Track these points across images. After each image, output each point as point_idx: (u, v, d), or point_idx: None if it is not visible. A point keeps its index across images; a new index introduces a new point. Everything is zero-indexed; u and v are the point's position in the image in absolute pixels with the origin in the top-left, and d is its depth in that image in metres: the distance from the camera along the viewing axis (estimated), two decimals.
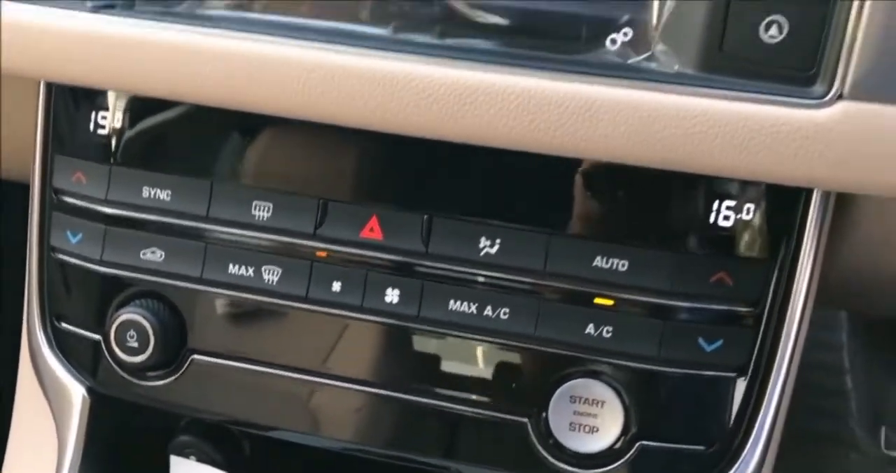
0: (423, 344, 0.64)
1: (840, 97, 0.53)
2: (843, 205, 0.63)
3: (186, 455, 0.75)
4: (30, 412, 0.75)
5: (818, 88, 0.53)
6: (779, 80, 0.55)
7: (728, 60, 0.55)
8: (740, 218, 0.60)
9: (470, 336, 0.63)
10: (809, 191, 0.60)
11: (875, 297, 0.80)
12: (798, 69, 0.55)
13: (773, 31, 0.55)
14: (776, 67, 0.55)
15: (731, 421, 0.62)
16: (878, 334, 1.72)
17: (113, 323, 0.67)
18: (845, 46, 0.52)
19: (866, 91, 0.52)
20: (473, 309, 0.63)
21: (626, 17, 0.58)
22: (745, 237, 0.60)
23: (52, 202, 0.71)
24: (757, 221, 0.60)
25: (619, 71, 0.57)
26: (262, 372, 0.67)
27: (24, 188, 1.03)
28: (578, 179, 0.61)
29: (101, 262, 0.69)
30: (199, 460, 0.74)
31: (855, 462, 1.56)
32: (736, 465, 0.62)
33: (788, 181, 0.56)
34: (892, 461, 1.61)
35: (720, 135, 0.55)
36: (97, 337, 0.70)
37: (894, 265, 0.71)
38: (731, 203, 0.60)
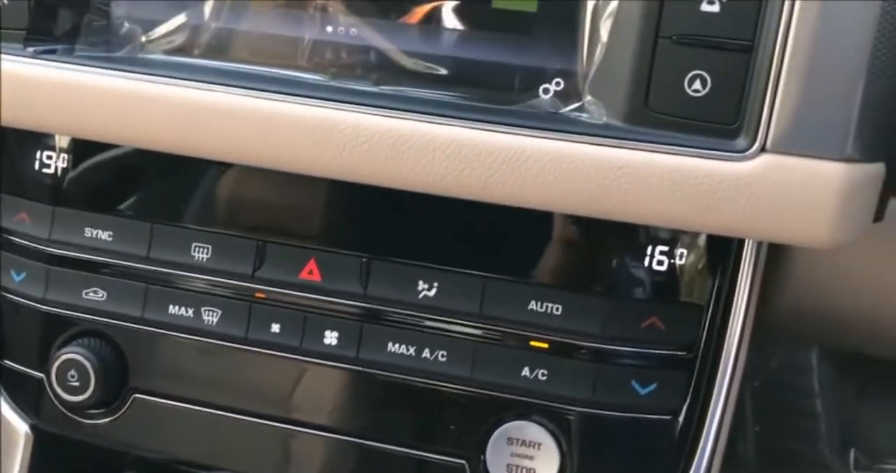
0: (362, 385, 0.65)
1: (763, 150, 0.54)
2: (776, 248, 0.64)
3: None
4: None
5: (741, 142, 0.54)
6: (703, 133, 0.55)
7: (653, 113, 0.56)
8: (673, 262, 0.61)
9: (408, 378, 0.64)
10: (742, 243, 0.61)
11: (833, 335, 0.81)
12: (721, 123, 0.55)
13: (697, 85, 0.55)
14: (700, 121, 0.56)
15: (668, 464, 0.63)
16: (847, 357, 1.73)
17: (55, 362, 0.67)
18: (767, 100, 0.53)
19: (788, 144, 0.53)
20: (412, 351, 0.64)
21: (557, 67, 0.59)
22: (678, 282, 0.61)
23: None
24: (690, 266, 0.61)
25: (549, 122, 0.58)
26: (204, 412, 0.67)
27: None
28: (513, 225, 0.62)
29: (43, 301, 0.69)
30: None
31: None
32: None
33: (713, 231, 0.57)
34: None
35: (645, 186, 0.56)
36: (40, 375, 0.70)
37: (837, 307, 0.72)
38: (664, 248, 0.61)
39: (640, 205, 0.56)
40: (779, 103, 0.53)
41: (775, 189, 0.53)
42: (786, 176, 0.53)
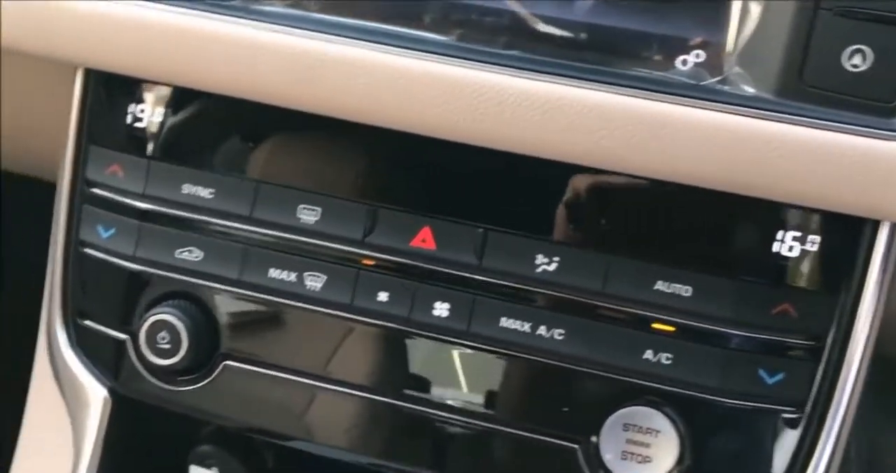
0: (471, 362, 0.62)
1: None
2: None
3: (208, 466, 0.71)
4: (44, 413, 0.71)
5: None
6: (859, 110, 0.54)
7: (808, 87, 0.54)
8: (805, 249, 0.58)
9: (522, 355, 0.61)
10: (876, 225, 0.59)
11: None
12: (880, 100, 0.54)
13: (857, 59, 0.54)
14: (858, 97, 0.54)
15: (788, 460, 0.60)
16: (878, 377, 1.71)
17: (144, 322, 0.64)
18: None
19: None
20: (527, 327, 0.61)
21: (698, 39, 0.57)
22: (811, 269, 0.58)
23: (84, 194, 0.68)
24: (822, 253, 0.58)
25: (691, 91, 0.56)
26: (298, 382, 0.64)
27: (28, 183, 1.00)
28: (644, 202, 0.59)
29: (133, 259, 0.66)
30: (221, 471, 0.71)
31: None
32: None
33: (862, 212, 0.55)
34: None
35: (797, 162, 0.54)
36: (124, 336, 0.67)
37: None
38: (797, 233, 0.58)
39: (791, 182, 0.54)
40: None
41: None
42: None
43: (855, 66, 0.53)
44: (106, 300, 0.68)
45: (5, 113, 0.83)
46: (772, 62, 0.54)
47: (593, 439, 0.60)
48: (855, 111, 0.53)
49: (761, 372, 0.59)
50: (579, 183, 0.60)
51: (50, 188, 0.75)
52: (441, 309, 0.62)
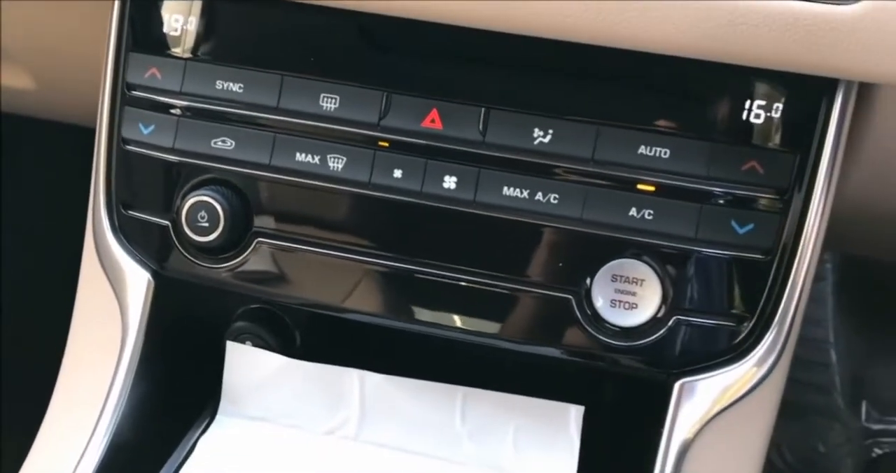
0: (478, 226, 0.70)
1: None
2: (860, 112, 0.69)
3: (242, 341, 0.79)
4: (93, 299, 0.78)
5: None
6: None
7: None
8: (770, 115, 0.66)
9: (522, 219, 0.69)
10: (833, 90, 0.67)
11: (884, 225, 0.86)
12: None
13: None
14: None
15: (759, 301, 0.68)
16: (862, 310, 1.79)
17: (185, 204, 0.72)
18: None
19: None
20: (525, 194, 0.69)
21: None
22: (775, 131, 0.67)
23: (125, 97, 0.76)
24: (785, 117, 0.66)
25: None
26: (323, 254, 0.72)
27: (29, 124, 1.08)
28: (627, 75, 0.67)
29: (172, 151, 0.74)
30: (254, 345, 0.79)
31: (837, 433, 1.63)
32: (762, 342, 0.68)
33: (823, 72, 0.63)
34: (873, 433, 1.68)
35: (759, 28, 0.61)
36: (165, 222, 0.74)
37: None
38: (763, 102, 0.66)
39: (756, 48, 0.62)
40: None
41: (878, 30, 0.59)
42: (888, 16, 0.59)
43: None
44: (148, 190, 0.76)
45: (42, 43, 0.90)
46: None
47: (586, 290, 0.69)
48: None
49: (733, 223, 0.67)
50: (571, 60, 0.68)
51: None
52: (450, 182, 0.70)
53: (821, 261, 1.83)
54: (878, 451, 1.62)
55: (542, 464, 0.75)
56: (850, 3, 0.60)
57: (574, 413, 0.74)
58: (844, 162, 0.70)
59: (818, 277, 1.86)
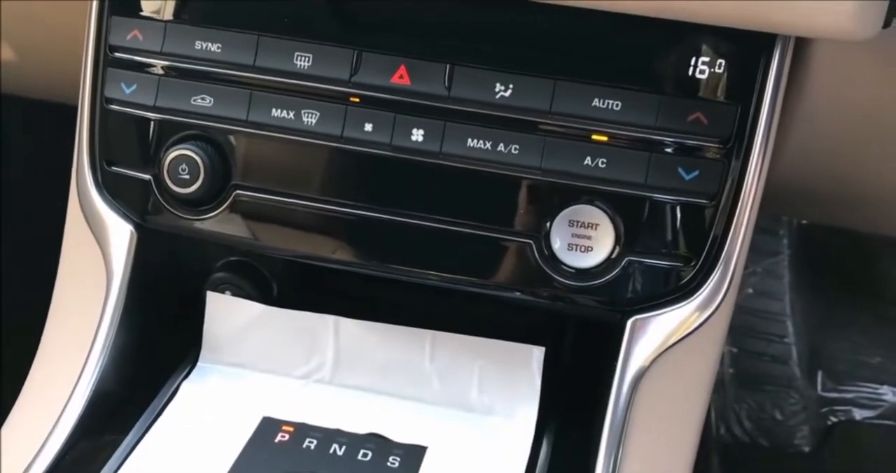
0: (445, 177, 0.74)
1: None
2: (799, 68, 0.75)
3: (222, 291, 0.83)
4: (78, 251, 0.82)
5: None
6: None
7: None
8: (714, 70, 0.72)
9: (485, 169, 0.73)
10: (771, 50, 0.72)
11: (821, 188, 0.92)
12: None
13: None
14: None
15: (705, 244, 0.73)
16: (817, 284, 1.87)
17: (166, 158, 0.76)
18: None
19: None
20: (488, 145, 0.73)
21: None
22: (719, 84, 0.72)
23: (108, 59, 0.79)
24: (728, 72, 0.72)
25: None
26: (299, 204, 0.76)
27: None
28: (583, 32, 0.72)
29: (154, 108, 0.78)
30: (234, 294, 0.83)
31: (794, 402, 1.70)
32: (707, 281, 0.73)
33: (761, 27, 0.67)
34: (828, 402, 1.75)
35: None
36: (148, 176, 0.78)
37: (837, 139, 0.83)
38: (707, 57, 0.72)
39: (693, 5, 0.66)
40: None
41: None
42: None
43: None
44: (131, 147, 0.79)
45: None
46: None
47: (545, 234, 0.73)
48: None
49: (680, 170, 0.72)
50: (527, 20, 0.72)
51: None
52: (417, 135, 0.74)
53: (776, 235, 1.90)
54: (832, 419, 1.70)
55: (506, 402, 0.80)
56: None
57: (536, 354, 0.79)
58: (785, 116, 0.75)
59: (774, 252, 1.94)
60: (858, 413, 1.69)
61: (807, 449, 1.66)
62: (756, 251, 1.86)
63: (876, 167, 0.90)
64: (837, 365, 1.82)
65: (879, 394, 1.71)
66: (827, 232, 1.85)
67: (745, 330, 1.89)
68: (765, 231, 1.86)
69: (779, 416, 1.69)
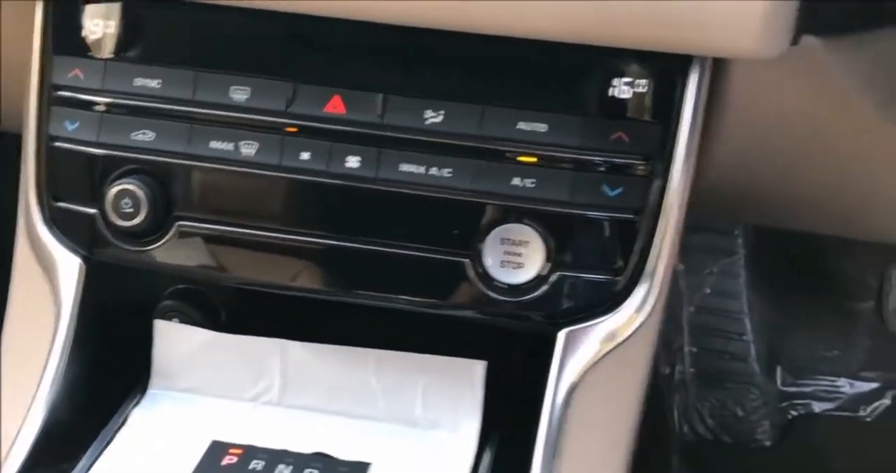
0: (381, 201, 0.77)
1: None
2: (718, 87, 0.78)
3: (169, 318, 0.85)
4: (27, 286, 0.84)
5: None
6: None
7: None
8: (635, 90, 0.75)
9: (420, 192, 0.76)
10: (688, 70, 0.75)
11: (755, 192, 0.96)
12: None
13: None
14: None
15: (631, 256, 0.76)
16: (773, 282, 1.91)
17: (110, 191, 0.78)
18: None
19: None
20: (421, 169, 0.76)
21: None
22: (640, 105, 0.75)
23: (51, 98, 0.81)
24: (649, 93, 0.75)
25: None
26: (239, 233, 0.78)
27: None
28: (508, 58, 0.75)
29: (97, 144, 0.80)
30: (181, 321, 0.85)
31: (755, 398, 1.74)
32: (634, 292, 0.77)
33: (678, 49, 0.71)
34: (787, 396, 1.79)
35: (610, 10, 0.70)
36: (93, 211, 0.80)
37: (764, 150, 0.86)
38: (627, 78, 0.75)
39: (617, 30, 0.70)
40: None
41: (720, 6, 0.68)
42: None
43: None
44: (76, 182, 0.81)
45: None
46: None
47: (479, 253, 0.76)
48: None
49: (604, 188, 0.75)
50: (455, 49, 0.75)
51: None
52: (353, 162, 0.77)
53: (731, 236, 1.94)
54: (793, 413, 1.74)
55: (450, 416, 0.82)
56: None
57: (478, 369, 0.82)
58: (707, 132, 0.79)
59: (730, 252, 1.98)
60: (818, 406, 1.73)
61: (768, 443, 1.70)
62: (712, 252, 1.90)
63: (801, 172, 0.93)
64: (796, 360, 1.86)
65: (837, 387, 1.75)
66: (780, 232, 1.89)
67: (704, 329, 1.92)
68: (720, 232, 1.90)
69: (740, 412, 1.73)
